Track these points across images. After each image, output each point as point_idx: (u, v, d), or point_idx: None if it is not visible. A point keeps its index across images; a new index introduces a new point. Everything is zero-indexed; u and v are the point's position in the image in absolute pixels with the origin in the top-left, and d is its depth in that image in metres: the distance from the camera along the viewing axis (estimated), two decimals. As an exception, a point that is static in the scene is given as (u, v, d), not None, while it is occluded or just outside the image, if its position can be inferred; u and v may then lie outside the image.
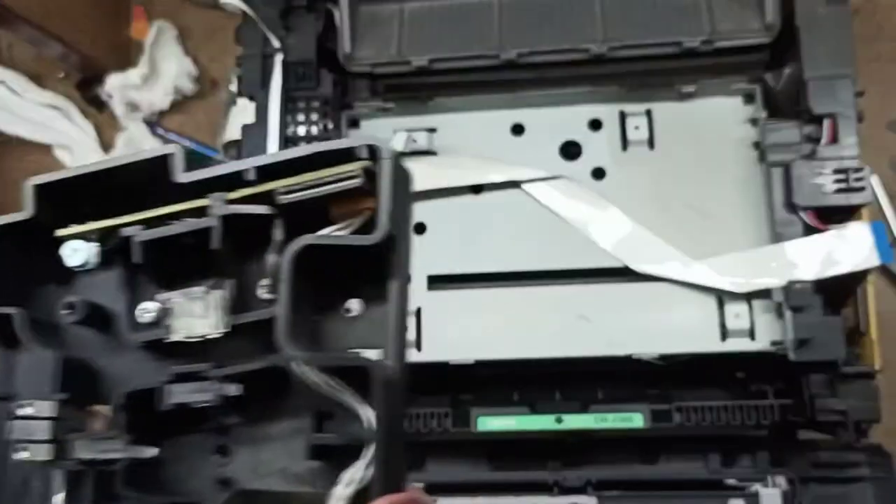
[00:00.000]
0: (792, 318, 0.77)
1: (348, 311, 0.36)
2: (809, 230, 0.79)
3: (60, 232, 0.37)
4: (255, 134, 0.87)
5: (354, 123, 0.91)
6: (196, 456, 0.37)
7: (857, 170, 0.78)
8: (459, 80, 0.90)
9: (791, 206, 0.79)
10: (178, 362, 0.36)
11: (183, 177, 0.36)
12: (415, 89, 0.90)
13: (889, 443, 0.82)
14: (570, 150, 0.87)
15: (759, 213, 0.82)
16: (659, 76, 0.86)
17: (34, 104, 1.24)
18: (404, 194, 0.35)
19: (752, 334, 0.79)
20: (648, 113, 0.86)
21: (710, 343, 0.79)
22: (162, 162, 0.36)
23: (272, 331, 0.33)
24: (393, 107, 0.90)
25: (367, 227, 0.35)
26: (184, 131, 1.27)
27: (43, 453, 0.34)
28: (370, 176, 0.34)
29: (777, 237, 0.79)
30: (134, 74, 1.23)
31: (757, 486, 0.78)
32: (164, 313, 0.36)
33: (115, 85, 1.23)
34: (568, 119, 0.88)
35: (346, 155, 0.34)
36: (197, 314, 0.35)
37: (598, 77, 0.87)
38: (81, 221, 0.37)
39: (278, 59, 0.89)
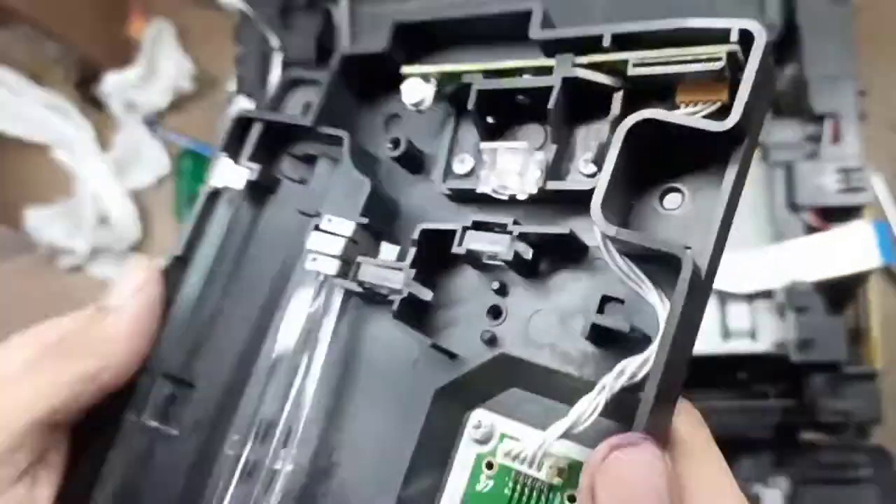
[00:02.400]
0: (794, 319, 0.76)
1: (663, 202, 0.33)
2: (811, 230, 0.79)
3: (406, 69, 0.37)
4: (253, 133, 0.87)
5: (354, 123, 0.91)
6: (469, 310, 0.36)
7: (859, 170, 0.77)
8: (459, 79, 0.89)
9: (793, 206, 0.79)
10: (480, 213, 0.35)
11: (537, 33, 0.35)
12: (414, 88, 0.90)
13: (891, 444, 0.81)
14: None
15: (760, 213, 0.82)
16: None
17: (32, 104, 1.24)
18: (765, 91, 0.31)
19: (753, 335, 0.79)
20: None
21: (711, 344, 0.79)
22: (522, 17, 0.35)
23: (583, 204, 0.31)
24: (392, 106, 0.89)
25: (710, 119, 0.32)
26: (182, 130, 1.26)
27: (330, 267, 0.36)
28: (733, 63, 0.31)
29: (779, 237, 0.79)
30: (132, 73, 1.23)
31: (759, 487, 0.78)
32: (480, 166, 0.36)
33: (114, 84, 1.23)
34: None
35: (712, 36, 0.31)
36: (513, 169, 0.34)
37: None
38: (427, 62, 0.37)
39: (277, 58, 0.89)
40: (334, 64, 0.40)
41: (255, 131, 0.40)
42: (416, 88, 0.37)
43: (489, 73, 0.36)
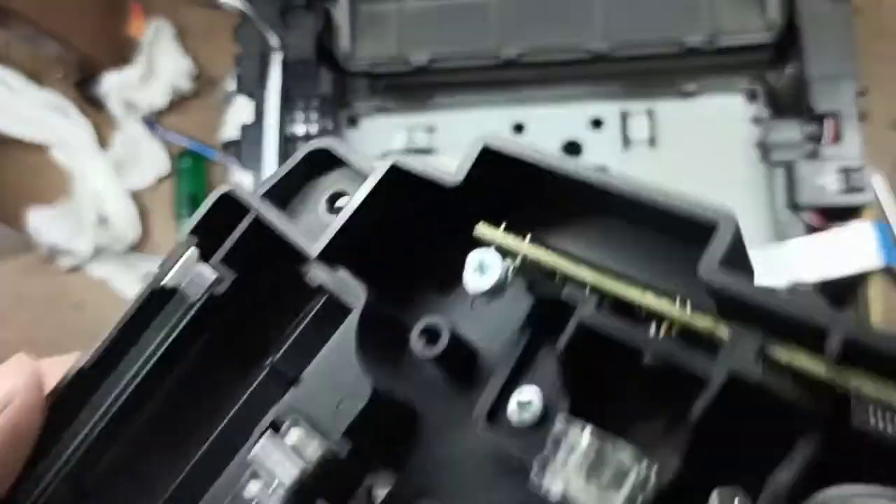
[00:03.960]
0: (794, 319, 0.76)
1: None
2: (812, 230, 0.78)
3: (482, 229, 0.24)
4: (253, 133, 0.87)
5: (353, 122, 0.91)
6: None
7: (859, 169, 0.77)
8: (459, 78, 0.89)
9: (793, 206, 0.79)
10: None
11: (713, 274, 0.20)
12: (414, 88, 0.89)
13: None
14: (571, 149, 0.87)
15: (761, 213, 0.82)
16: (661, 74, 0.86)
17: (32, 103, 1.24)
18: None
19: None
20: (650, 111, 0.86)
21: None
22: (698, 230, 0.21)
23: None
24: (392, 105, 0.89)
25: None
26: (181, 130, 1.26)
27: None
28: None
29: (780, 237, 0.79)
30: (132, 73, 1.23)
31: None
32: (552, 446, 0.22)
33: (113, 84, 1.23)
34: (569, 118, 0.87)
35: None
36: (599, 484, 0.21)
37: (599, 75, 0.87)
38: (518, 224, 0.24)
39: (277, 58, 0.89)
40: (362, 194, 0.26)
41: (243, 224, 0.26)
42: (487, 268, 0.23)
43: (609, 299, 0.22)
